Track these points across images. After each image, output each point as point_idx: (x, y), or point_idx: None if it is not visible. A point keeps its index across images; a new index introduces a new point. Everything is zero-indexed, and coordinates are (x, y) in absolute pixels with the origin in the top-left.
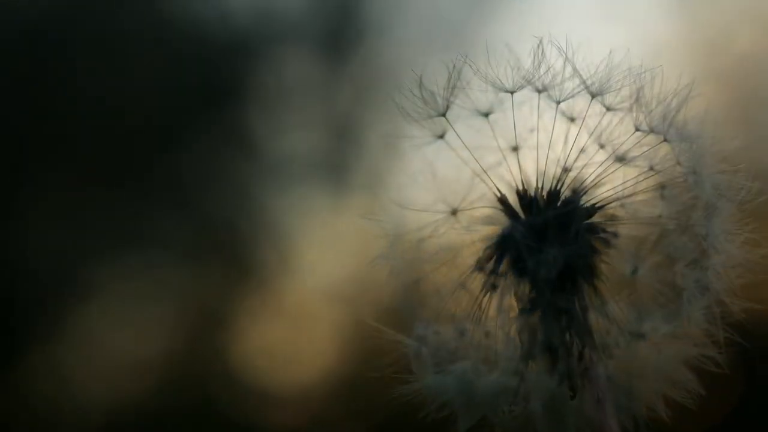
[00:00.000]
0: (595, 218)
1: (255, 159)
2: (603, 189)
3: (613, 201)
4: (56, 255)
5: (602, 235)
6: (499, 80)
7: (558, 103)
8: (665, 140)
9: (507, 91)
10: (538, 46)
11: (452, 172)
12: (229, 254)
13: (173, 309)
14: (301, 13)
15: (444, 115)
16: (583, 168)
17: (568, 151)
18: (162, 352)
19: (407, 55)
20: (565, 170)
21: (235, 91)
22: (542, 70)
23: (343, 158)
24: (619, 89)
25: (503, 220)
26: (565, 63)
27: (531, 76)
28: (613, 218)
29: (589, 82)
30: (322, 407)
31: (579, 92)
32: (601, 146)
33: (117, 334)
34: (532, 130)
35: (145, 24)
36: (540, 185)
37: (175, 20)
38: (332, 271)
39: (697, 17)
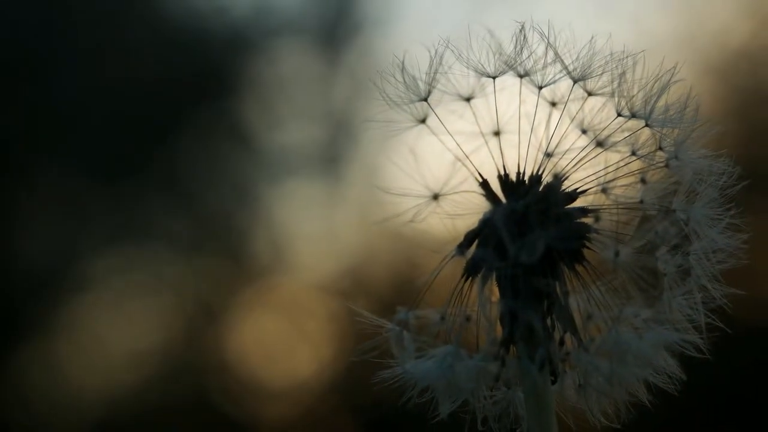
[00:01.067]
0: (577, 203)
1: (251, 151)
2: (585, 174)
3: (595, 186)
4: (53, 247)
5: (583, 220)
6: (481, 65)
7: (540, 88)
8: (647, 125)
9: (489, 76)
10: (521, 31)
11: (434, 157)
12: (224, 247)
13: (169, 302)
14: (298, 5)
15: (426, 99)
16: (564, 153)
17: (549, 136)
18: (157, 344)
19: (404, 47)
20: (547, 155)
21: (231, 84)
22: (524, 55)
23: (340, 151)
24: (601, 74)
25: (485, 205)
26: (547, 48)
27: (513, 62)
28: (594, 203)
29: (571, 68)
30: (316, 400)
31: (561, 77)
32: (583, 131)
33: (113, 326)
34: (513, 115)
35: (142, 17)
36: (522, 170)
37: (173, 13)
38: (327, 264)
39: (695, 11)
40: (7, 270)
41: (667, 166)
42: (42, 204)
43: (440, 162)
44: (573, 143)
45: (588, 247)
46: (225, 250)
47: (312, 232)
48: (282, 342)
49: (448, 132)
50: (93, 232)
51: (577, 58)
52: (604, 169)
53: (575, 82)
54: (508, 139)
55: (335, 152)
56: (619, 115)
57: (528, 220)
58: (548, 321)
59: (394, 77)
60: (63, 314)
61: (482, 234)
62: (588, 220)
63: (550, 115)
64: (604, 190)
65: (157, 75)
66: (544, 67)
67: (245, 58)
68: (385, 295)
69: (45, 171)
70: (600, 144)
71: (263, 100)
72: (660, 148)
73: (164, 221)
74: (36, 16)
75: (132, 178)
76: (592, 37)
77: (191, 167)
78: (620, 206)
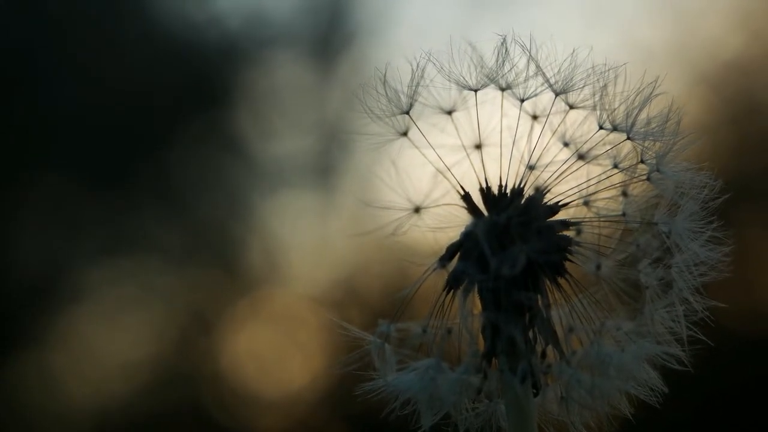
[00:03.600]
0: (559, 216)
1: (244, 162)
2: (566, 187)
3: (577, 199)
4: (46, 258)
5: (565, 232)
6: (463, 78)
7: (522, 101)
8: (629, 138)
9: (471, 89)
10: (502, 44)
11: (415, 170)
12: (217, 258)
13: (162, 312)
14: (291, 16)
15: (407, 112)
16: (546, 166)
17: (531, 149)
18: (151, 355)
19: (396, 58)
20: (529, 168)
21: (225, 95)
22: (506, 68)
23: (333, 161)
24: (583, 87)
25: (466, 218)
26: (528, 61)
27: (495, 74)
28: (576, 216)
29: (552, 81)
30: (309, 411)
31: (543, 90)
32: (565, 144)
33: (106, 336)
34: (495, 128)
35: (136, 27)
36: (503, 183)
37: (166, 23)
38: (320, 275)
39: (687, 24)
40: None
41: (648, 179)
42: (35, 214)
43: (422, 175)
44: (555, 156)
45: (570, 260)
46: (218, 261)
47: (305, 242)
48: (275, 352)
49: (430, 145)
50: (86, 243)
51: (558, 71)
52: (585, 182)
53: (557, 95)
54: (490, 152)
55: (328, 163)
56: (600, 128)
57: (509, 232)
58: (530, 334)
59: (376, 90)
60: (56, 324)
61: (464, 247)
62: (570, 233)
63: (531, 128)
64: (585, 203)
65: (151, 85)
66: (526, 80)
67: (239, 68)
68: (378, 306)
69: (38, 181)
70: (582, 157)
71: (256, 111)
72: (642, 161)
73: (157, 231)
74: (29, 25)
75: (125, 189)
76: (574, 50)
77: (184, 177)
78: (602, 219)
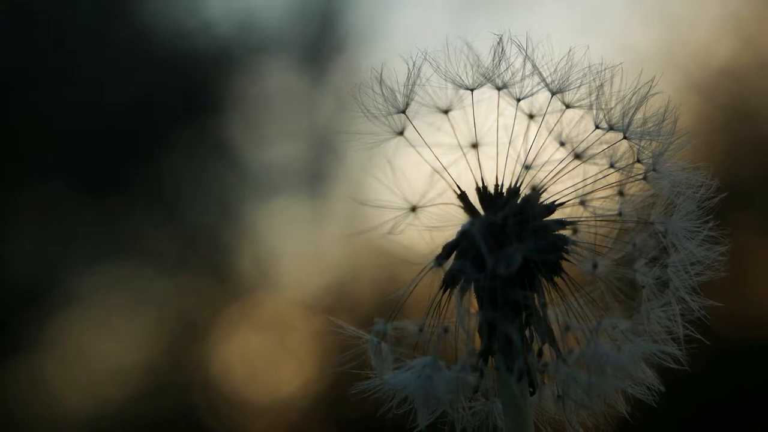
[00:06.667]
0: (555, 215)
1: (236, 169)
2: (563, 186)
3: (573, 198)
4: (38, 263)
5: (562, 232)
6: (459, 77)
7: (518, 100)
8: (625, 138)
9: (467, 89)
10: (499, 43)
11: (412, 169)
12: (209, 264)
13: (154, 318)
14: (282, 23)
15: (404, 111)
16: (543, 165)
17: (528, 149)
18: (143, 361)
19: (388, 65)
20: (525, 167)
21: (216, 101)
22: (502, 68)
23: (324, 168)
24: (579, 87)
25: (463, 217)
26: (525, 61)
27: (491, 74)
28: (572, 216)
29: (549, 80)
30: (301, 416)
31: (539, 90)
32: (561, 144)
33: (98, 342)
34: (491, 127)
35: (127, 34)
36: (500, 182)
37: (158, 30)
38: (312, 281)
39: (678, 30)
40: None
41: (645, 178)
42: (28, 220)
43: (418, 174)
44: (551, 155)
45: (566, 259)
46: (210, 267)
47: (297, 248)
48: (266, 358)
49: (426, 144)
50: (79, 249)
51: (555, 71)
52: (582, 181)
53: (553, 94)
54: (486, 151)
55: (320, 169)
56: (597, 127)
57: (506, 232)
58: (527, 332)
59: (373, 90)
60: (48, 330)
61: (460, 246)
62: (566, 232)
63: (528, 128)
64: (582, 203)
65: (142, 92)
66: (522, 79)
67: (230, 75)
68: (369, 312)
69: (31, 187)
70: (578, 156)
71: (248, 117)
72: (638, 161)
73: (150, 238)
74: (20, 33)
75: (118, 195)
76: (570, 50)
77: (176, 184)
78: (598, 219)
